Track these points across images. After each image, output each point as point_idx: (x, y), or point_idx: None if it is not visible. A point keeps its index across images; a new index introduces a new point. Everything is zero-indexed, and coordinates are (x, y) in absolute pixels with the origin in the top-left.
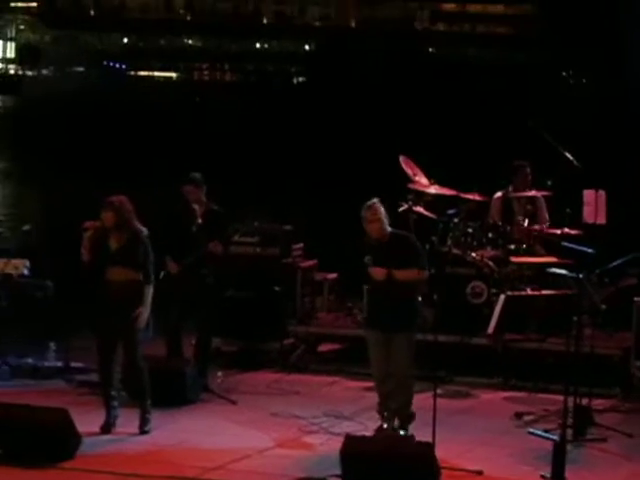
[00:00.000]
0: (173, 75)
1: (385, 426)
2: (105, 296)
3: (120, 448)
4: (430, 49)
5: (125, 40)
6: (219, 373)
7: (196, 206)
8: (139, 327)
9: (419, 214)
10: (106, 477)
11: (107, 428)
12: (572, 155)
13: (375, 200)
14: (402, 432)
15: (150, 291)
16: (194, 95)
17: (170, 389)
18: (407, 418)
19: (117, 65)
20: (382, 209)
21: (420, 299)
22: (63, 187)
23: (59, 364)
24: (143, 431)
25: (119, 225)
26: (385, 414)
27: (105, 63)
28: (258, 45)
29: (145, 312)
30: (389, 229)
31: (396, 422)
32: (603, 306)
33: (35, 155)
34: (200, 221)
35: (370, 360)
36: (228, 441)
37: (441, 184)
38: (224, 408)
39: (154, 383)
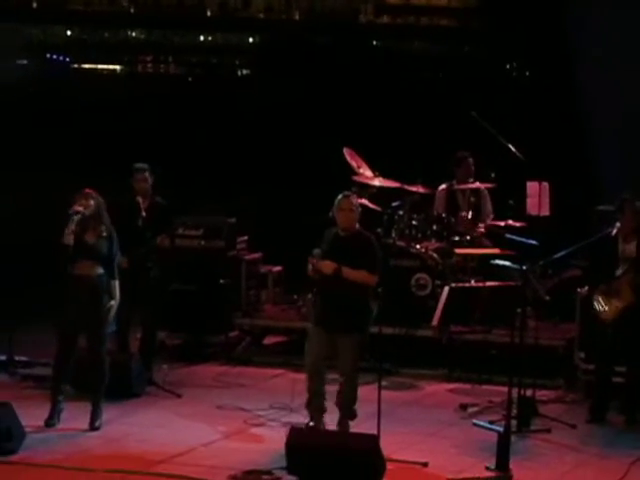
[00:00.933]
0: (117, 68)
1: (312, 424)
2: (75, 290)
3: (67, 443)
4: (374, 42)
5: (68, 32)
6: (164, 366)
7: (140, 199)
8: (108, 321)
9: (363, 206)
10: (52, 471)
11: (51, 422)
12: (515, 147)
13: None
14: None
15: (117, 285)
16: (138, 87)
17: (115, 383)
18: (352, 416)
19: (60, 58)
20: (357, 203)
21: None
22: (2, 179)
23: (2, 357)
24: (94, 427)
25: (97, 217)
26: (314, 412)
27: (48, 56)
28: (202, 37)
29: (115, 306)
30: (357, 226)
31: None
32: (547, 297)
33: None
34: (144, 214)
35: (305, 355)
36: (174, 434)
37: (385, 176)
38: (169, 402)
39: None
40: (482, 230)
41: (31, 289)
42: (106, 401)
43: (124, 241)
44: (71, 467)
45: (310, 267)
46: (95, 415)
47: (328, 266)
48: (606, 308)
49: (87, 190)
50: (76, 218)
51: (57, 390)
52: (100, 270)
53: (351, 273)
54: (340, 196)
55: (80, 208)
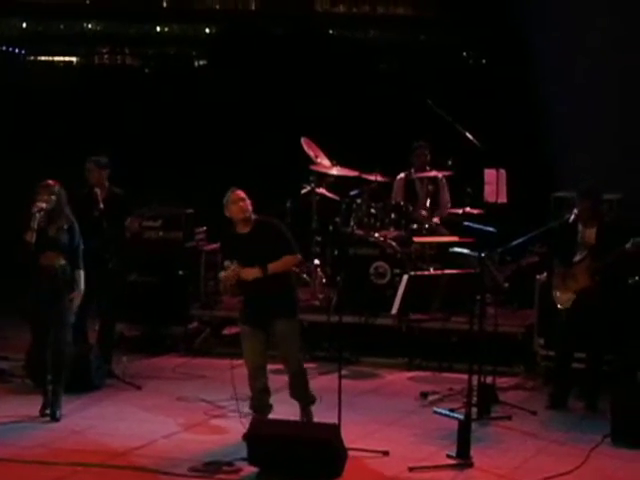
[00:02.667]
0: (73, 59)
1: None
2: (40, 281)
3: (25, 435)
4: (330, 31)
5: (24, 25)
6: (123, 358)
7: (98, 190)
8: (72, 311)
9: (322, 196)
10: (12, 465)
11: (52, 413)
12: (472, 135)
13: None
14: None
15: (82, 275)
16: (95, 79)
17: (74, 375)
18: (310, 402)
19: (16, 50)
20: (245, 198)
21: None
22: None
23: None
24: (55, 417)
25: (59, 210)
26: (259, 411)
27: (4, 48)
28: (158, 29)
29: (79, 296)
30: (253, 217)
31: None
32: (506, 284)
33: None
34: (102, 206)
35: (244, 354)
36: (134, 427)
37: (343, 165)
38: (129, 394)
39: None
40: (439, 218)
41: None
42: (66, 394)
43: (81, 232)
44: (31, 460)
45: (223, 285)
46: (55, 406)
47: (252, 272)
48: (561, 293)
49: (49, 182)
50: (38, 216)
51: (46, 380)
52: (62, 261)
53: (276, 266)
54: (226, 194)
55: (42, 204)
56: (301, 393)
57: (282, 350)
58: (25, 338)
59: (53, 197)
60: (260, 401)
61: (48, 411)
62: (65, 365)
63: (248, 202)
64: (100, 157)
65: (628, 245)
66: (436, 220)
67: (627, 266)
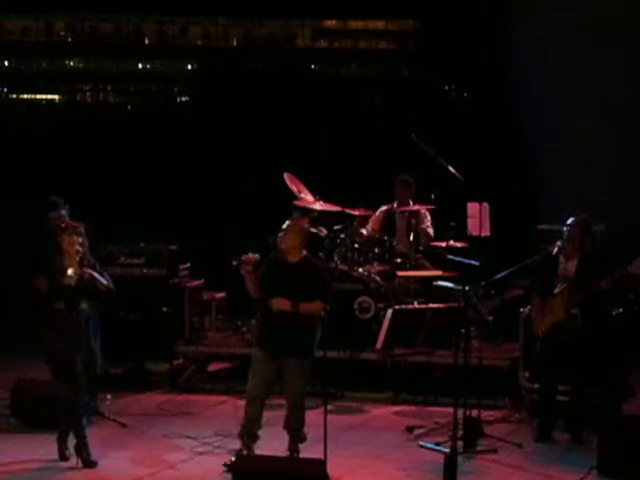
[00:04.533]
0: (56, 97)
1: (245, 452)
2: (69, 322)
3: (5, 476)
4: (312, 66)
5: (6, 63)
6: (108, 396)
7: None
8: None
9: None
10: None
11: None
12: (455, 168)
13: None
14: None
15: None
16: (77, 117)
17: (59, 413)
18: (301, 440)
19: None
20: (305, 230)
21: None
22: None
23: None
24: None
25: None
26: (246, 439)
27: None
28: (140, 66)
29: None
30: (304, 252)
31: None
32: (490, 318)
33: None
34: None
35: (249, 378)
36: (119, 464)
37: (326, 200)
38: (114, 431)
39: (40, 407)
40: (422, 252)
41: None
42: (50, 432)
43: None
44: None
45: (243, 265)
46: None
47: (282, 303)
48: (538, 325)
49: (75, 224)
50: (77, 258)
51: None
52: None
53: (307, 308)
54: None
55: (79, 248)
56: (295, 427)
57: (289, 386)
58: (10, 376)
59: (80, 239)
60: (249, 430)
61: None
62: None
63: (299, 235)
64: (55, 198)
65: (603, 282)
66: (420, 256)
67: (608, 299)
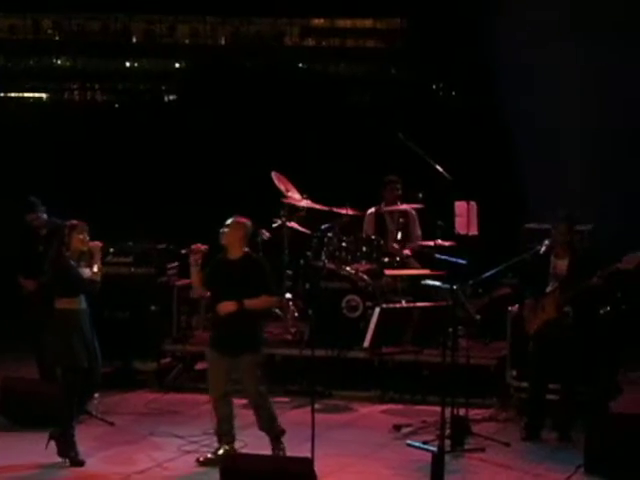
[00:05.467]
0: (43, 96)
1: (221, 452)
2: (79, 323)
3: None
4: (300, 64)
5: None
6: (96, 395)
7: (44, 231)
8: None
9: (293, 229)
10: None
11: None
12: (443, 167)
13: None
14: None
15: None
16: (65, 115)
17: (46, 413)
18: (278, 434)
19: None
20: (246, 226)
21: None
22: None
23: None
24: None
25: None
26: (223, 437)
27: None
28: (128, 64)
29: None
30: (245, 249)
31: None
32: (478, 316)
33: None
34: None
35: (208, 380)
36: (107, 463)
37: (314, 199)
38: (102, 430)
39: (28, 407)
40: (409, 251)
41: None
42: (38, 431)
43: (30, 266)
44: None
45: (191, 255)
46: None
47: (229, 306)
48: (530, 324)
49: (81, 222)
50: (100, 255)
51: (72, 422)
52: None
53: (253, 304)
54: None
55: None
56: (267, 425)
57: (245, 386)
58: None
59: (87, 237)
60: (224, 429)
61: (79, 456)
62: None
63: (240, 234)
64: (32, 199)
65: (594, 278)
66: (407, 253)
67: (597, 297)
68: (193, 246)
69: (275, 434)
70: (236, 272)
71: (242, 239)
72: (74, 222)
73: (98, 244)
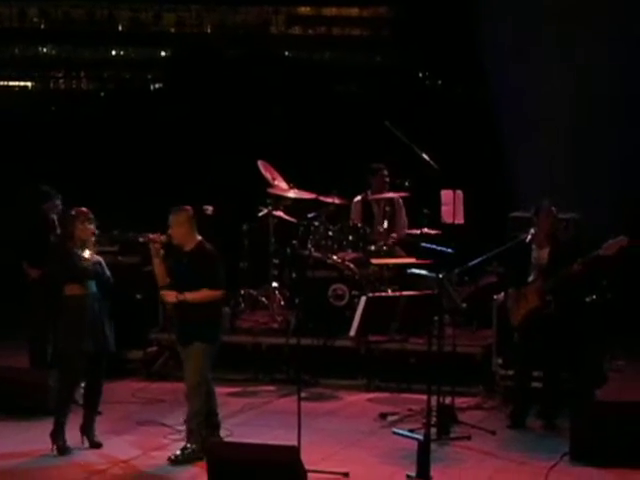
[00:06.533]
0: (28, 84)
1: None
2: (83, 310)
3: None
4: (286, 52)
5: None
6: (82, 384)
7: (55, 216)
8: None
9: (279, 218)
10: None
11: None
12: (429, 156)
13: (185, 206)
14: (177, 452)
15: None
16: (50, 104)
17: (32, 401)
18: (192, 432)
19: None
20: (188, 218)
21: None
22: None
23: None
24: (96, 443)
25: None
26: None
27: None
28: (114, 52)
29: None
30: (197, 238)
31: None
32: (464, 305)
33: None
34: (59, 231)
35: None
36: (94, 451)
37: (300, 188)
38: None
39: (15, 395)
40: (395, 239)
41: None
42: (24, 420)
43: (36, 255)
44: None
45: (151, 245)
46: (91, 432)
47: (171, 296)
48: (514, 313)
49: (86, 210)
50: (93, 241)
51: (65, 412)
52: (95, 289)
53: (195, 296)
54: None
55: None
56: (188, 417)
57: (183, 370)
58: None
59: (92, 225)
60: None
61: (66, 443)
62: (102, 393)
63: (181, 229)
64: (46, 188)
65: (575, 265)
66: (393, 241)
67: (581, 285)
68: (151, 235)
69: (189, 429)
70: (186, 263)
71: (188, 230)
72: (77, 210)
73: (90, 234)
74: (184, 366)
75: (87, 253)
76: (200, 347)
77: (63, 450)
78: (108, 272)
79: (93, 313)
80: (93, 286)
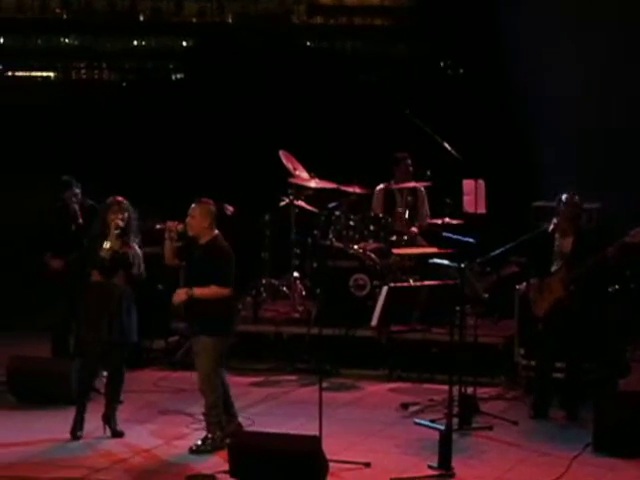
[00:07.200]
0: (51, 75)
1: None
2: (107, 299)
3: (4, 452)
4: (308, 42)
5: (1, 40)
6: (104, 373)
7: (76, 206)
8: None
9: (300, 208)
10: None
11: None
12: (451, 145)
13: (208, 199)
14: (199, 442)
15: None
16: (72, 94)
17: (55, 390)
18: (211, 424)
19: None
20: (210, 213)
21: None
22: None
23: None
24: (117, 433)
25: (129, 228)
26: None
27: None
28: (135, 42)
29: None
30: (214, 233)
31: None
32: (486, 295)
33: None
34: (81, 221)
35: None
36: (116, 440)
37: (322, 178)
38: None
39: (36, 385)
40: (416, 229)
41: None
42: (47, 409)
43: (59, 245)
44: (13, 476)
45: (167, 232)
46: (113, 421)
47: (180, 296)
48: (537, 304)
49: (120, 199)
50: (116, 232)
51: (83, 400)
52: (128, 280)
53: (203, 292)
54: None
55: (120, 223)
56: (206, 410)
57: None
58: (5, 353)
59: (126, 214)
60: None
61: (80, 433)
62: (123, 382)
63: (196, 220)
64: (67, 177)
65: (609, 249)
66: (415, 231)
67: (605, 275)
68: (169, 223)
69: (209, 421)
70: (198, 256)
71: (205, 223)
72: (111, 199)
73: (117, 223)
74: (195, 358)
75: (108, 244)
76: (208, 340)
77: (75, 437)
78: (140, 266)
79: (112, 303)
80: (114, 276)
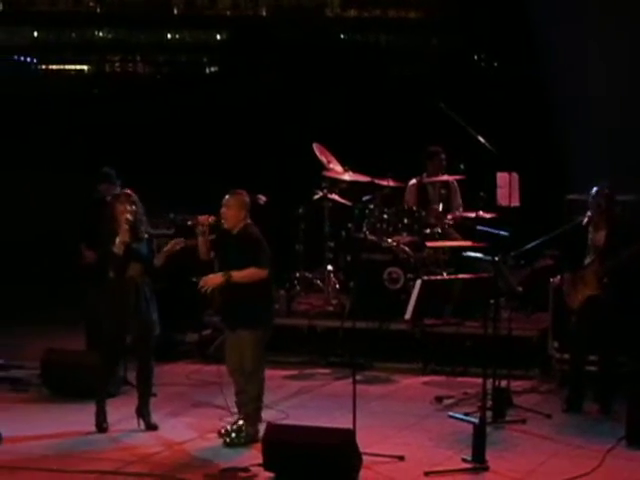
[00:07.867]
0: (85, 68)
1: (240, 422)
2: (125, 293)
3: (38, 444)
4: (342, 35)
5: (35, 34)
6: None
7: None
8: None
9: (334, 201)
10: (26, 473)
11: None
12: (485, 138)
13: (242, 191)
14: (233, 435)
15: None
16: (106, 87)
17: (89, 383)
18: (249, 417)
19: (27, 59)
20: (244, 204)
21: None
22: None
23: None
24: (151, 425)
25: (140, 220)
26: (242, 408)
27: (15, 57)
28: (169, 36)
29: None
30: (247, 221)
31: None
32: (519, 288)
33: None
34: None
35: None
36: (149, 433)
37: (355, 171)
38: None
39: (69, 378)
40: (450, 222)
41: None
42: (81, 402)
43: (94, 236)
44: (45, 468)
45: (198, 226)
46: (147, 414)
47: (216, 279)
48: (571, 297)
49: (129, 192)
50: (126, 227)
51: (104, 393)
52: (144, 271)
53: (240, 275)
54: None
55: (130, 217)
56: (244, 402)
57: (243, 356)
58: (39, 346)
59: (134, 207)
60: (238, 402)
61: (105, 424)
62: (152, 374)
63: (234, 210)
64: (108, 170)
65: None
66: (448, 224)
67: (638, 268)
68: (200, 217)
69: (246, 413)
70: (232, 245)
71: (239, 214)
72: (120, 192)
73: (126, 217)
74: (243, 352)
75: (118, 239)
76: (254, 334)
77: (100, 429)
78: (148, 253)
79: (130, 298)
80: (131, 269)
